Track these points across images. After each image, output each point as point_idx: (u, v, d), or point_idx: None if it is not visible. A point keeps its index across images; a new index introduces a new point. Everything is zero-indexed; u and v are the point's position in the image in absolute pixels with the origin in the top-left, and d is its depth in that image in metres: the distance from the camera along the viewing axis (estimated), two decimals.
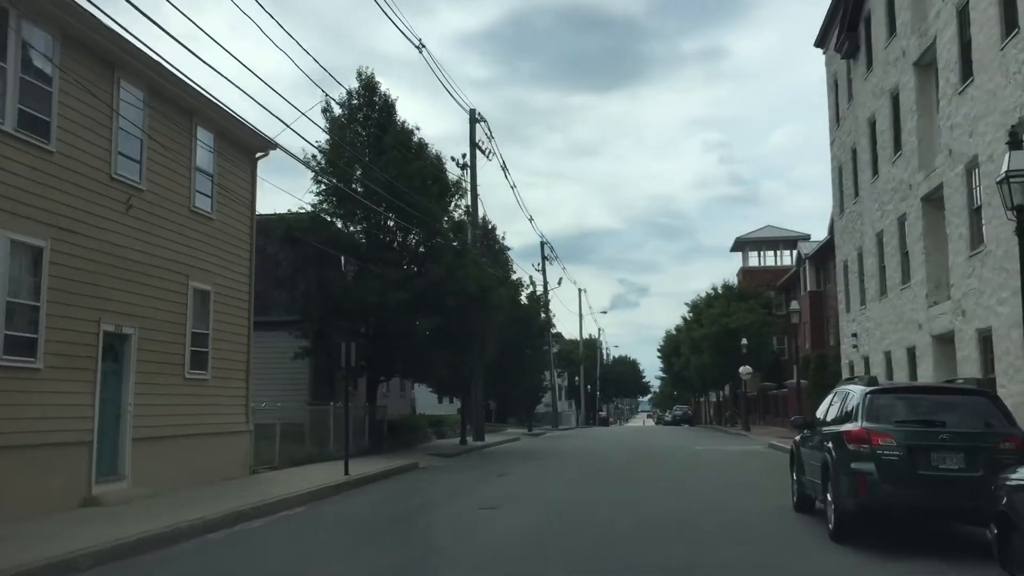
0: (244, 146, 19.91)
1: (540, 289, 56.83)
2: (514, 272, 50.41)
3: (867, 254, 29.01)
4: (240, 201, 19.73)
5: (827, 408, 12.59)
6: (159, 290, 16.34)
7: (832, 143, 34.60)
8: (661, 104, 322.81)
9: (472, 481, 20.17)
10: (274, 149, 20.65)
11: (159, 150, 16.31)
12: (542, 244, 67.30)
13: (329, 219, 29.94)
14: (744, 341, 49.20)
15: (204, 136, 18.15)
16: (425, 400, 71.69)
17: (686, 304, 61.41)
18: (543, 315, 51.86)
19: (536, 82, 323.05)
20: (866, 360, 29.86)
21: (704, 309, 56.56)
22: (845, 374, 33.53)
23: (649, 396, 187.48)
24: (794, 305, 33.08)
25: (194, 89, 17.05)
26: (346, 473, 19.40)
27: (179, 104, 17.12)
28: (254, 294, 32.69)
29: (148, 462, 15.73)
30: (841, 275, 33.92)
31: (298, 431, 25.75)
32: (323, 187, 29.43)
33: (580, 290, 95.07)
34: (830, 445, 11.03)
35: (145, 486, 15.43)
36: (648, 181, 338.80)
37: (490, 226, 50.68)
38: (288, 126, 18.61)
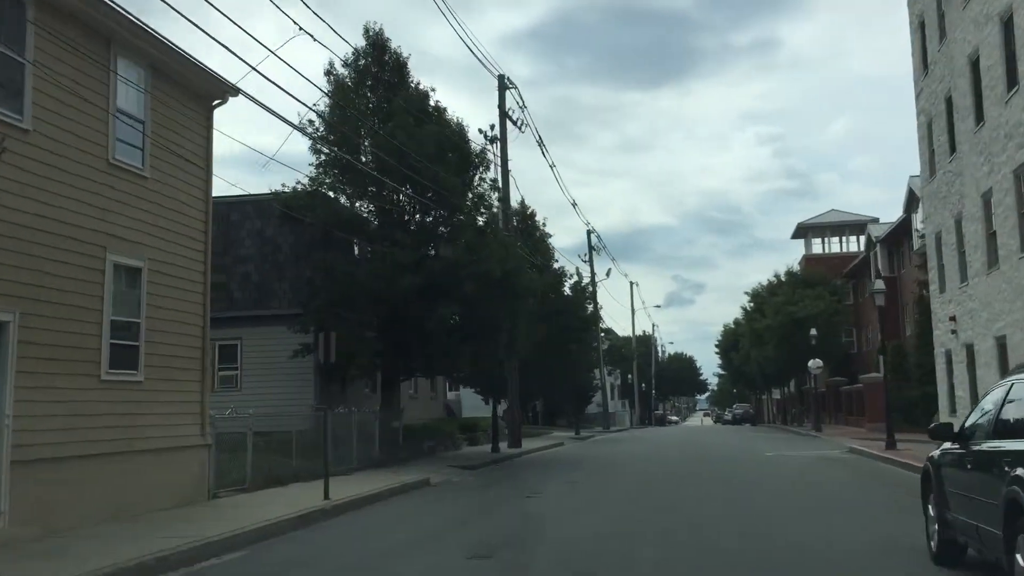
0: (193, 90, 15.93)
1: (587, 280, 52.54)
2: (556, 261, 46.24)
3: (969, 220, 24.17)
4: (190, 158, 15.77)
5: (995, 411, 8.08)
6: (57, 264, 12.39)
7: (918, 96, 29.72)
8: (712, 98, 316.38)
9: (485, 505, 15.97)
10: (235, 95, 16.64)
11: (56, 82, 12.38)
12: (588, 233, 62.89)
13: (332, 195, 25.99)
14: (813, 332, 44.30)
15: (130, 71, 14.20)
16: (471, 402, 67.78)
17: (746, 293, 56.75)
18: (590, 307, 47.46)
19: (584, 79, 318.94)
20: (968, 348, 25.03)
21: (767, 298, 51.66)
22: (940, 365, 28.61)
23: (707, 394, 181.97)
24: (878, 284, 28.00)
25: (108, 6, 13.13)
26: (325, 497, 15.34)
27: (89, 25, 13.19)
28: (251, 284, 28.58)
29: (39, 492, 11.80)
30: (932, 250, 29.02)
31: (294, 441, 21.96)
32: (323, 157, 25.48)
33: (632, 283, 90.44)
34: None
35: (33, 524, 11.50)
36: (701, 176, 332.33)
37: (529, 211, 46.60)
38: (253, 68, 14.26)
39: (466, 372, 26.58)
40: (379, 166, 24.96)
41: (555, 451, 33.90)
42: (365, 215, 26.70)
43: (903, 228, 56.93)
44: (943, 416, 28.46)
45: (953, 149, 25.62)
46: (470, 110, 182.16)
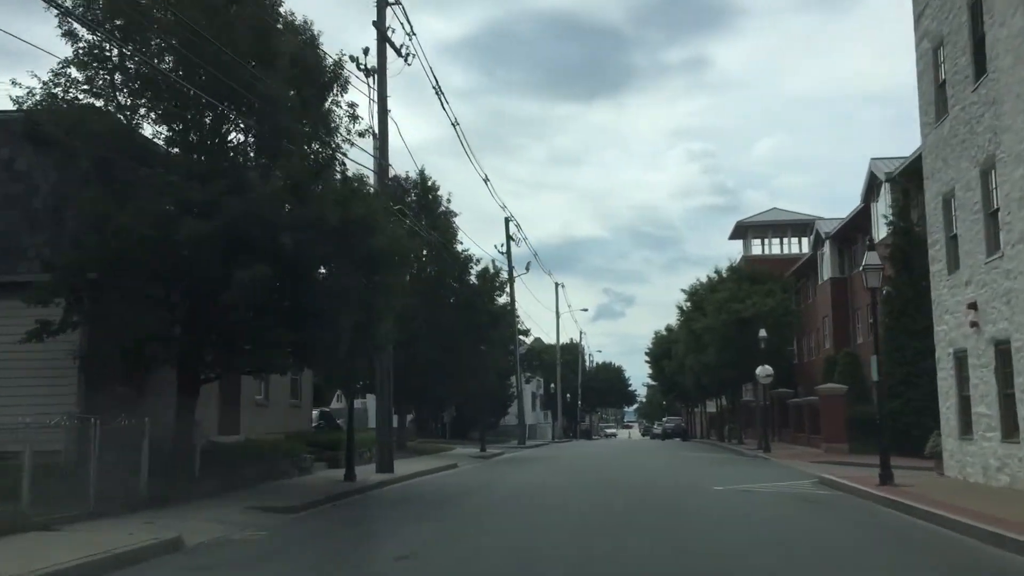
0: None
1: (502, 271, 44.95)
2: (460, 243, 38.58)
3: (1013, 162, 17.02)
4: None
5: None
6: None
7: (919, 18, 22.76)
8: (645, 114, 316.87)
9: None
10: None
11: None
12: (507, 220, 55.34)
13: (104, 107, 17.78)
14: (762, 333, 37.23)
15: None
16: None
17: (683, 291, 49.71)
18: (501, 299, 39.79)
19: (518, 91, 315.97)
20: (998, 345, 17.92)
21: (707, 295, 44.55)
22: (946, 370, 21.50)
23: (635, 406, 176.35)
24: (869, 257, 20.68)
25: None
26: None
27: None
28: None
29: None
30: (937, 220, 21.93)
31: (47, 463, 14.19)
32: (83, 48, 17.24)
33: (557, 284, 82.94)
34: None
35: None
36: (633, 190, 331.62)
37: (429, 182, 38.86)
38: None
39: (286, 365, 18.34)
40: (180, 67, 17.00)
41: (439, 478, 25.97)
42: (162, 143, 18.53)
43: (858, 222, 50.57)
44: (949, 439, 21.36)
45: (981, 71, 18.55)
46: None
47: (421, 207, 38.09)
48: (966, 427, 20.09)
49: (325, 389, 45.80)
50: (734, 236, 74.35)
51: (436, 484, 23.38)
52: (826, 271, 55.56)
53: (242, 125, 17.62)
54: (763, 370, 37.04)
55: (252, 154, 17.87)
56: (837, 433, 36.54)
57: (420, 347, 35.23)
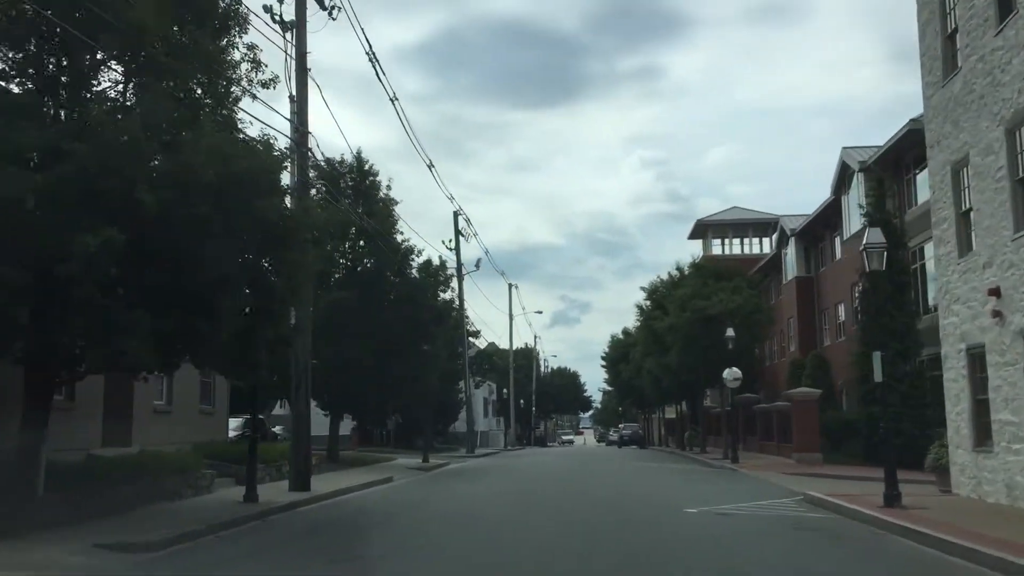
0: None
1: (448, 266, 41.41)
2: (401, 233, 34.98)
3: None
4: None
5: None
6: None
7: None
8: (599, 121, 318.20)
9: None
10: None
11: None
12: (455, 214, 51.87)
13: None
14: (730, 332, 34.11)
15: None
16: (320, 419, 55.58)
17: (642, 288, 46.52)
18: (445, 295, 36.25)
19: (474, 97, 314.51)
20: None
21: (669, 292, 41.41)
22: (955, 370, 18.42)
23: (591, 412, 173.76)
24: (872, 234, 17.38)
25: None
26: None
27: None
28: None
29: None
30: (944, 194, 18.87)
31: None
32: None
33: (511, 284, 79.52)
34: None
35: None
36: (588, 197, 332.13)
37: (367, 165, 35.22)
38: None
39: (145, 361, 14.56)
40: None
41: (365, 496, 22.29)
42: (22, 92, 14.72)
43: (827, 216, 47.92)
44: (959, 451, 18.28)
45: (1008, 11, 15.51)
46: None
47: (357, 193, 34.44)
48: (983, 437, 17.02)
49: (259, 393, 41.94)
50: (693, 235, 71.62)
51: (358, 505, 19.75)
52: (791, 270, 52.84)
53: (101, 57, 13.88)
54: (731, 373, 33.96)
55: (115, 95, 14.12)
56: (810, 442, 33.61)
57: (355, 346, 31.61)
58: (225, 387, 29.06)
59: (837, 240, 46.63)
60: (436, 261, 35.93)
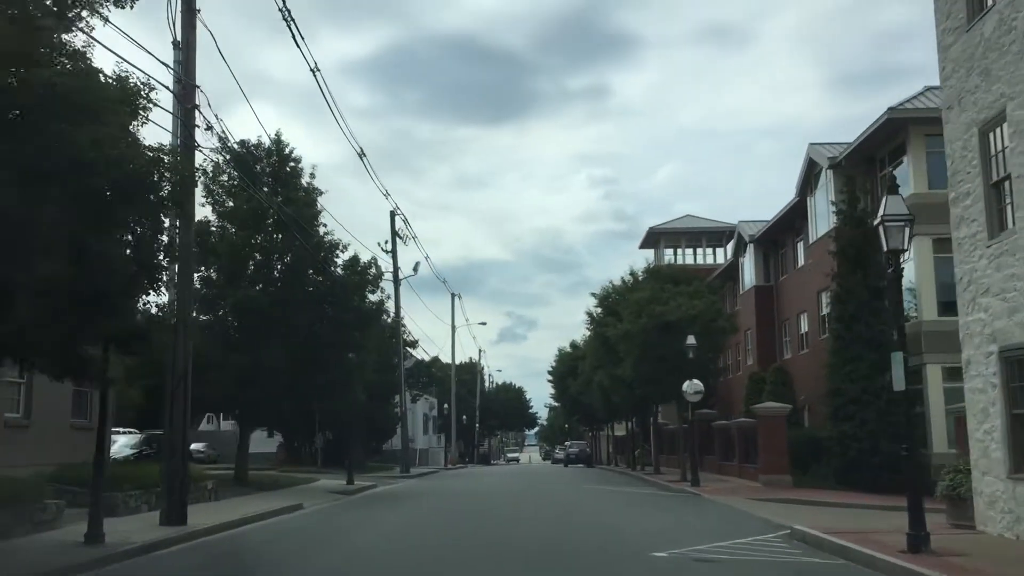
0: None
1: (383, 266, 37.46)
2: (323, 225, 31.00)
3: None
4: None
5: None
6: None
7: None
8: (548, 138, 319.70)
9: None
10: None
11: None
12: (392, 214, 47.87)
13: None
14: (691, 340, 30.58)
15: None
16: (257, 435, 50.98)
17: (593, 295, 42.85)
18: (376, 296, 32.20)
19: (422, 113, 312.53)
20: None
21: (622, 298, 37.82)
22: (982, 377, 14.95)
23: (536, 429, 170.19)
24: (893, 205, 13.81)
25: None
26: None
27: None
28: None
29: None
30: (968, 159, 15.48)
31: None
32: None
33: (454, 294, 75.58)
34: None
35: None
36: (536, 214, 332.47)
37: (287, 149, 31.18)
38: None
39: None
40: None
41: (255, 531, 18.01)
42: None
43: (790, 220, 44.87)
44: (988, 478, 14.79)
45: None
46: None
47: (276, 179, 30.39)
48: (1022, 461, 13.57)
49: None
50: (645, 244, 68.51)
51: (237, 545, 15.63)
52: (749, 278, 49.74)
53: None
54: (692, 385, 30.42)
55: None
56: (778, 463, 30.24)
57: (269, 351, 27.49)
58: (111, 398, 24.67)
59: (800, 245, 43.62)
60: (362, 255, 31.87)
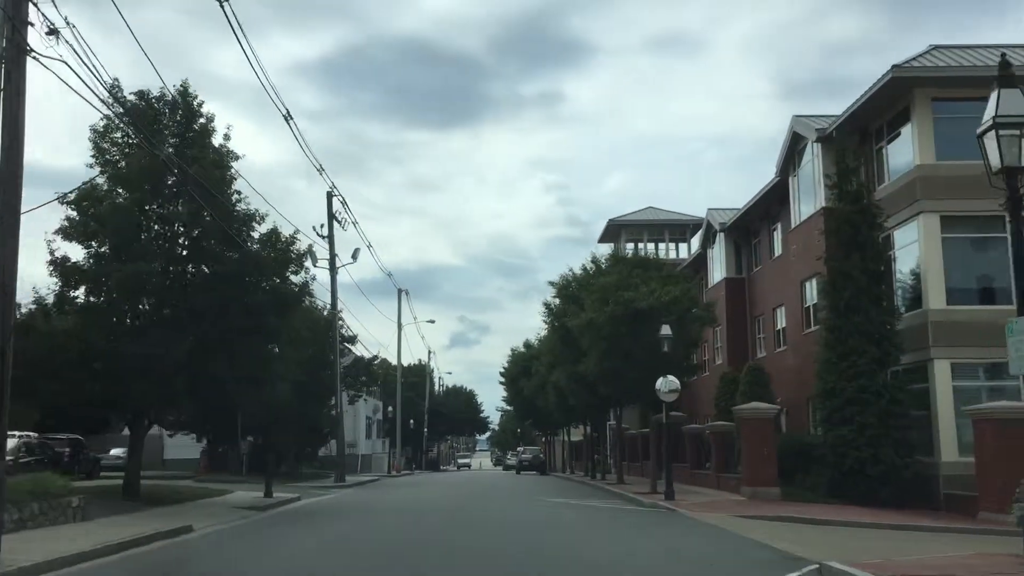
0: None
1: (308, 244, 33.00)
2: (236, 193, 26.35)
3: None
4: None
5: None
6: None
7: None
8: (502, 143, 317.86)
9: None
10: None
11: None
12: (329, 194, 43.22)
13: None
14: (666, 330, 26.37)
15: None
16: (180, 441, 45.93)
17: (551, 283, 38.38)
18: (299, 277, 27.46)
19: (375, 115, 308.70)
20: None
21: (584, 287, 33.45)
22: None
23: (488, 434, 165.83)
24: (1008, 102, 9.65)
25: None
26: None
27: None
28: None
29: None
30: None
31: None
32: None
33: (401, 291, 70.82)
34: None
35: None
36: (489, 219, 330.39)
37: (195, 101, 26.40)
38: None
39: None
40: None
41: (99, 569, 13.42)
42: None
43: (766, 206, 41.09)
44: None
45: None
46: None
47: (182, 139, 25.57)
48: None
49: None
50: (605, 238, 64.47)
51: None
52: (719, 271, 45.87)
53: None
54: (667, 383, 26.23)
55: None
56: (764, 472, 26.21)
57: (165, 338, 22.81)
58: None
59: (777, 233, 39.86)
60: (292, 234, 27.19)
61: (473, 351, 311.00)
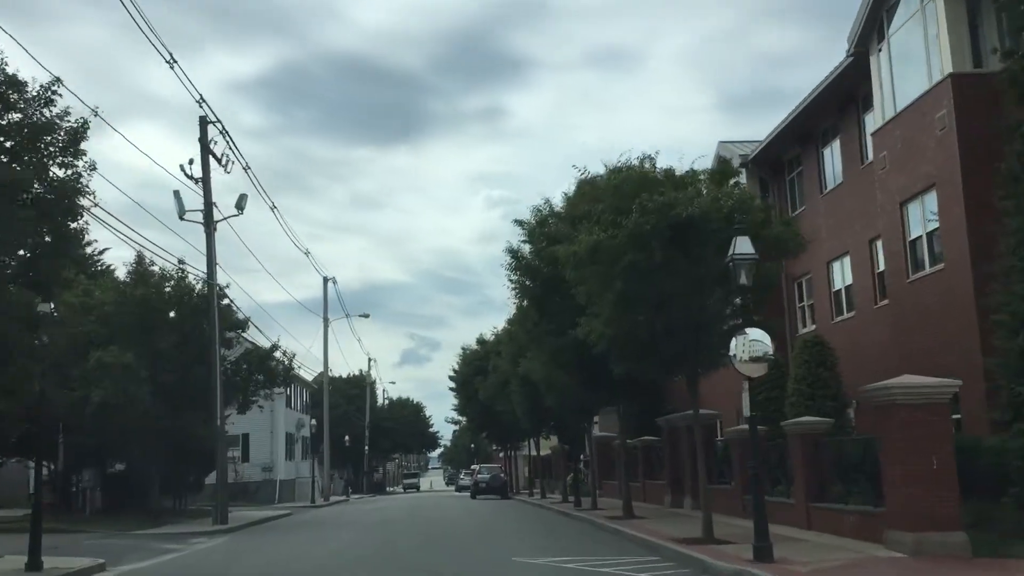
0: None
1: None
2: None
3: None
4: None
5: None
6: None
7: None
8: (445, 159, 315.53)
9: None
10: None
11: None
12: (202, 120, 30.71)
13: None
14: (744, 245, 14.43)
15: None
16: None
17: (519, 223, 26.02)
18: (67, 169, 14.92)
19: (315, 132, 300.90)
20: None
21: (597, 189, 20.73)
22: None
23: (439, 451, 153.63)
24: None
25: None
26: None
27: None
28: None
29: None
30: None
31: None
32: None
33: (326, 278, 58.29)
34: None
35: None
36: (434, 235, 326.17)
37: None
38: None
39: None
40: None
41: None
42: None
43: (813, 122, 29.58)
44: None
45: None
46: None
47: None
48: None
49: None
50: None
51: None
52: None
53: None
54: (748, 344, 14.25)
55: None
56: (937, 502, 14.18)
57: None
58: None
59: (830, 155, 28.56)
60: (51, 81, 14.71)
61: (424, 368, 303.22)
